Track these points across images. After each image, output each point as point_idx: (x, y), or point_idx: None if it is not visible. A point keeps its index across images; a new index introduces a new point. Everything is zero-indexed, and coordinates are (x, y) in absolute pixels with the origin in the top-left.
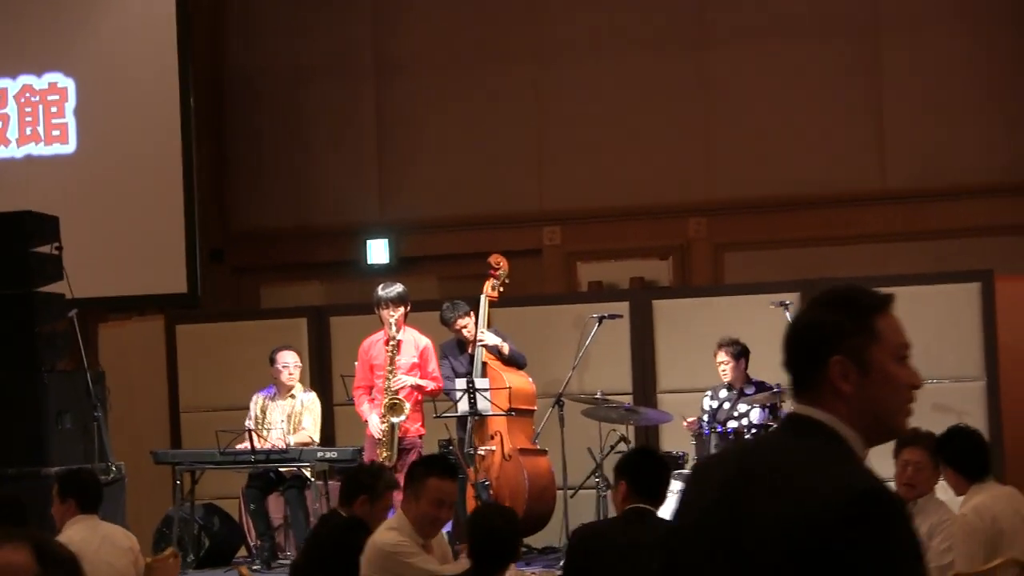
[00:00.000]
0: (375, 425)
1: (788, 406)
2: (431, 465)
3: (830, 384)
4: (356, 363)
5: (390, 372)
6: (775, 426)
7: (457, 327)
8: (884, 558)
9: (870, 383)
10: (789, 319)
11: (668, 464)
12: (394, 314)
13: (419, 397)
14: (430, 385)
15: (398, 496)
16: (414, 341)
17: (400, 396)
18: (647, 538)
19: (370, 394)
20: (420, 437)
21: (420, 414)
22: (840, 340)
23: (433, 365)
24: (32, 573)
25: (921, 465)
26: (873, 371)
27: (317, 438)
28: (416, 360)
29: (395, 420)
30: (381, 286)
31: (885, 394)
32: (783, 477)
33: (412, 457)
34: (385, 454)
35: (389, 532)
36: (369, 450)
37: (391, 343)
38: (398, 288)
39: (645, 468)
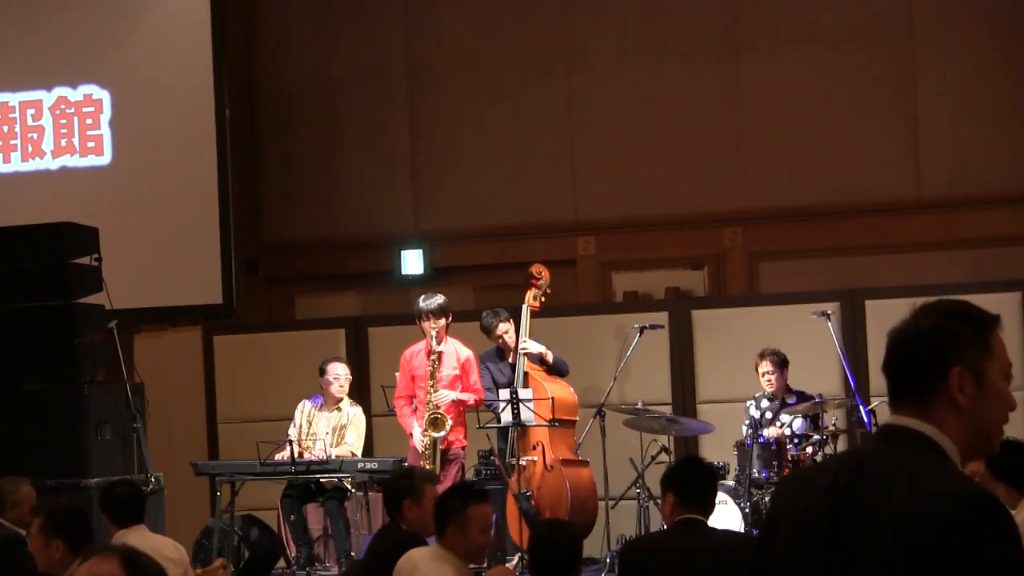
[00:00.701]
0: (417, 438)
1: (830, 416)
2: (464, 495)
3: (947, 395)
4: (397, 373)
5: (431, 386)
6: (872, 436)
7: (498, 333)
8: (996, 566)
9: (983, 397)
10: (831, 329)
11: (715, 473)
12: (435, 325)
13: (461, 409)
14: (471, 398)
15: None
16: (456, 353)
17: (441, 411)
18: (701, 548)
19: (411, 404)
20: (463, 448)
21: (463, 426)
22: (961, 351)
23: (475, 377)
24: None
25: (985, 477)
26: (987, 386)
27: (360, 453)
28: (457, 372)
29: (436, 435)
30: (422, 297)
31: (993, 410)
32: (886, 488)
33: (455, 468)
34: (429, 466)
35: (439, 565)
36: (413, 461)
37: (433, 355)
38: (439, 299)
39: (693, 478)
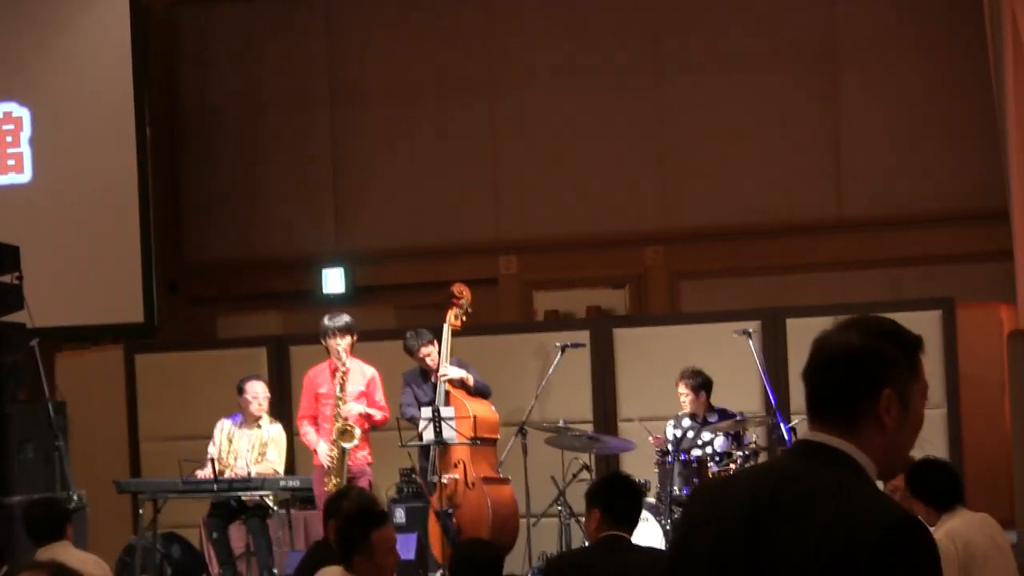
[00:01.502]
0: (323, 453)
1: (751, 434)
2: (364, 520)
3: (875, 415)
4: (301, 393)
5: (339, 399)
6: (789, 451)
7: (421, 355)
8: None
9: (906, 420)
10: (752, 347)
11: (641, 490)
12: (342, 343)
13: (366, 426)
14: (378, 414)
15: None
16: (360, 370)
17: (350, 422)
18: (628, 564)
19: (315, 424)
20: (368, 464)
21: (367, 442)
22: (891, 373)
23: (380, 395)
24: None
25: (904, 492)
26: (911, 408)
27: (281, 471)
28: (363, 389)
29: (346, 446)
30: (327, 316)
31: (911, 432)
32: (810, 502)
33: (362, 483)
34: (334, 481)
35: None
36: (317, 479)
37: (339, 372)
38: (345, 317)
39: (620, 495)
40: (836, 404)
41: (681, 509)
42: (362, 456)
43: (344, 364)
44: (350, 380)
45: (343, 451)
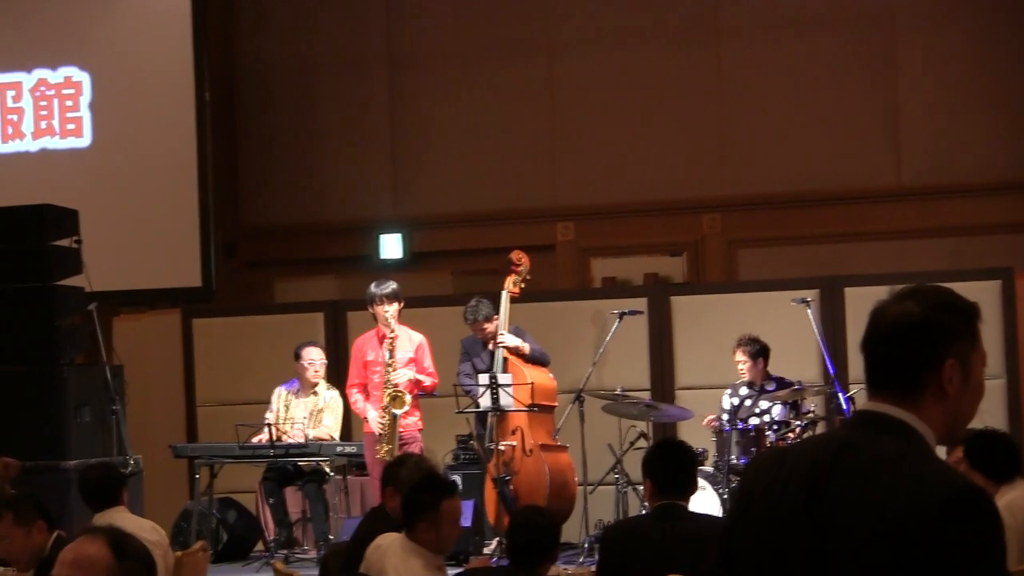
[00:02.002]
0: (374, 419)
1: (810, 403)
2: (437, 490)
3: (937, 386)
4: (350, 361)
5: (389, 366)
6: (849, 421)
7: (484, 329)
8: (982, 555)
9: (968, 389)
10: (810, 316)
11: (693, 454)
12: (389, 309)
13: (416, 391)
14: (428, 380)
15: None
16: (408, 337)
17: (401, 388)
18: (683, 532)
19: (364, 391)
20: (419, 431)
21: (417, 408)
22: (953, 344)
23: (428, 361)
24: (108, 565)
25: (965, 465)
26: (972, 378)
27: (337, 436)
28: (412, 355)
29: (397, 412)
30: (375, 283)
31: (973, 402)
32: (872, 471)
33: (413, 449)
34: (386, 448)
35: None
36: (368, 447)
37: (388, 339)
38: (392, 284)
39: (668, 463)
40: (897, 375)
41: (738, 478)
42: (412, 422)
43: (392, 331)
44: (398, 347)
45: (394, 417)
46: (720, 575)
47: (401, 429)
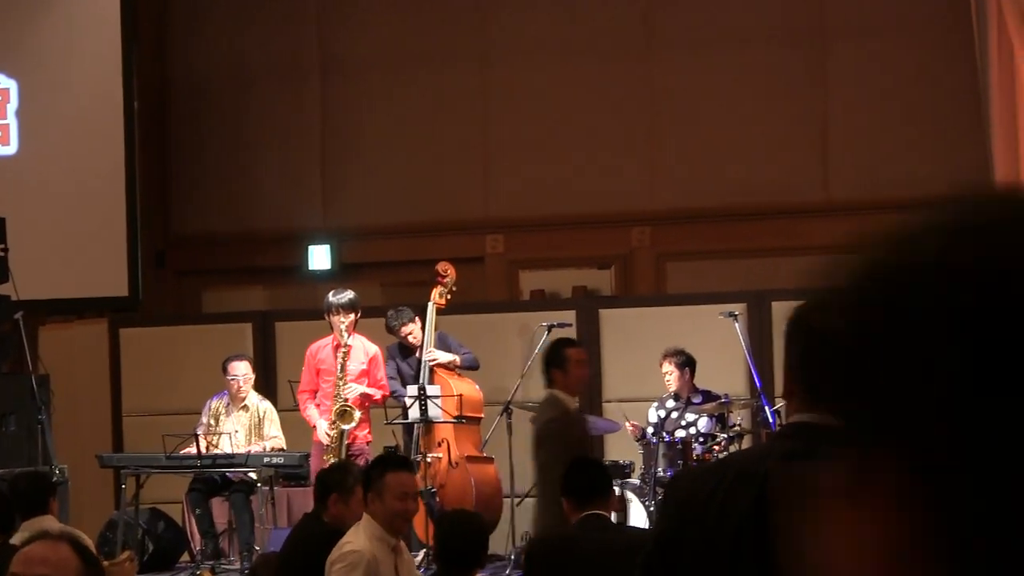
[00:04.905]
0: (323, 431)
1: (736, 416)
2: (385, 462)
3: None
4: (303, 367)
5: (340, 379)
6: (776, 435)
7: (403, 334)
8: None
9: None
10: (738, 330)
11: (600, 465)
12: (345, 320)
13: (367, 405)
14: (378, 393)
15: None
16: (363, 348)
17: (350, 403)
18: (614, 544)
19: (315, 399)
20: (368, 444)
21: (368, 421)
22: None
23: (381, 373)
24: (76, 567)
25: None
26: None
27: (284, 444)
28: (365, 367)
29: (345, 427)
30: (332, 292)
31: None
32: None
33: (360, 463)
34: (332, 460)
35: (356, 530)
36: (316, 456)
37: (342, 349)
38: (349, 294)
39: (582, 477)
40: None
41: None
42: (362, 436)
43: (346, 342)
44: (352, 358)
45: (342, 432)
46: None
47: (349, 440)
